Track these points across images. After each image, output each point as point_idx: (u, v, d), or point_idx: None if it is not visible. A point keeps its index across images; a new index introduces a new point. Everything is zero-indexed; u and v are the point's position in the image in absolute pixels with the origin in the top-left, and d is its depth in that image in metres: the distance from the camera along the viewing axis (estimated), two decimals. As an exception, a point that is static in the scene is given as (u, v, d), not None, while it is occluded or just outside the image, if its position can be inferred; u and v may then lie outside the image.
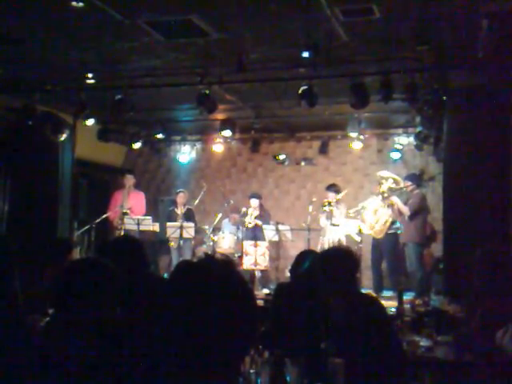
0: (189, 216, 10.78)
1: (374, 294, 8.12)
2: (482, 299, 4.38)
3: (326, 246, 9.79)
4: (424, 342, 4.56)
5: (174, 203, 11.02)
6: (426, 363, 4.16)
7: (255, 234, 10.33)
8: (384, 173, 10.03)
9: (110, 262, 2.76)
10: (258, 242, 10.07)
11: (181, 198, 10.95)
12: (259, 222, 10.36)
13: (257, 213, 10.41)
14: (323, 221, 10.04)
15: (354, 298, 3.86)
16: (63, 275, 2.74)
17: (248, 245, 10.13)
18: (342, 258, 3.98)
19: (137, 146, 11.66)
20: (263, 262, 10.06)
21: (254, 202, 10.44)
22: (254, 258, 10.05)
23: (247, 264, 10.05)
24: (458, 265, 6.77)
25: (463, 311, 5.29)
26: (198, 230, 10.78)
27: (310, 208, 10.24)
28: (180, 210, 10.85)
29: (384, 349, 3.54)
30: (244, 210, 10.53)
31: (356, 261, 4.09)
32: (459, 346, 4.29)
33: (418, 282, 8.98)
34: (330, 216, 9.88)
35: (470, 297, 4.77)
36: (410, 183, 9.56)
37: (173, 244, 10.57)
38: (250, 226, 10.40)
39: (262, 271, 10.21)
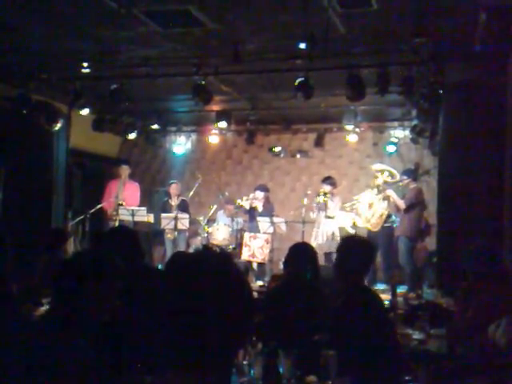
0: (183, 207, 10.78)
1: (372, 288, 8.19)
2: (475, 293, 4.39)
3: (320, 239, 9.81)
4: (417, 335, 4.59)
5: (168, 194, 11.01)
6: (418, 356, 4.17)
7: (253, 224, 10.30)
8: (378, 166, 10.04)
9: (114, 256, 2.75)
10: (257, 235, 10.07)
11: (173, 189, 10.94)
12: (259, 207, 10.30)
13: (259, 204, 10.37)
14: (315, 213, 10.03)
15: (357, 291, 3.87)
16: (66, 266, 2.73)
17: (247, 236, 10.13)
18: (360, 248, 4.00)
19: (132, 136, 11.62)
20: (260, 255, 10.05)
21: (259, 194, 10.40)
22: (252, 249, 10.05)
23: (245, 255, 10.05)
24: (451, 259, 6.78)
25: (456, 304, 5.31)
26: (192, 222, 10.77)
27: (305, 200, 10.24)
28: (174, 201, 10.84)
29: (381, 343, 3.56)
30: (238, 201, 10.50)
31: (373, 252, 4.11)
32: (452, 339, 4.30)
33: (409, 275, 9.01)
34: (324, 208, 9.87)
35: (463, 290, 4.78)
36: (406, 177, 9.56)
37: (170, 236, 10.56)
38: (245, 205, 10.34)
39: (258, 264, 10.22)
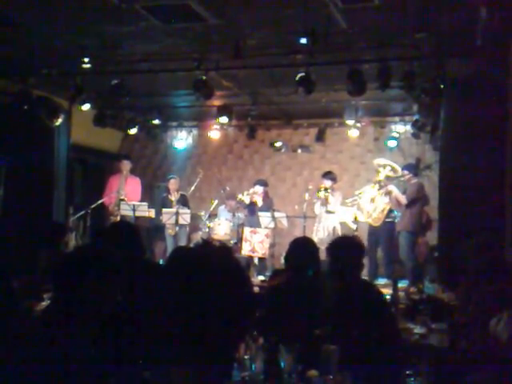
0: (182, 202, 10.78)
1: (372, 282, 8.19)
2: (476, 287, 4.39)
3: (321, 233, 9.82)
4: (418, 330, 4.60)
5: (167, 190, 11.02)
6: (420, 350, 4.18)
7: (253, 219, 10.32)
8: (380, 160, 10.03)
9: (114, 251, 2.75)
10: (257, 229, 10.07)
11: (172, 184, 10.94)
12: (259, 202, 10.33)
13: (259, 199, 10.39)
14: (317, 207, 10.04)
15: (355, 286, 3.89)
16: (66, 261, 2.73)
17: (247, 231, 10.13)
18: (348, 248, 4.06)
19: (133, 131, 11.62)
20: (261, 250, 10.05)
21: (258, 189, 10.42)
22: (252, 244, 10.05)
23: (246, 250, 10.05)
24: (452, 253, 6.79)
25: (458, 299, 5.32)
26: (193, 217, 10.78)
27: (306, 195, 10.24)
28: (173, 197, 10.84)
29: (382, 336, 3.57)
30: (240, 197, 10.51)
31: (362, 250, 4.16)
32: (453, 333, 4.31)
33: (411, 270, 9.03)
34: (325, 203, 9.88)
35: (465, 285, 4.79)
36: (407, 172, 9.56)
37: (171, 231, 10.56)
38: (245, 200, 10.37)
39: (259, 258, 10.22)
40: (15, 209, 9.21)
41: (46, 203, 9.87)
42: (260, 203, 10.35)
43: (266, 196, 10.50)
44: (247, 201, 10.38)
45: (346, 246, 4.18)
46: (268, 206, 10.37)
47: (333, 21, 6.61)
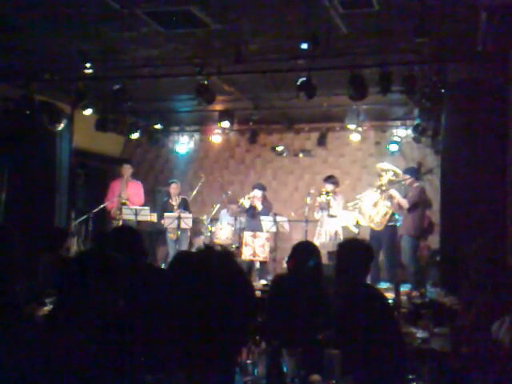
0: (184, 206, 10.79)
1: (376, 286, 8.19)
2: (478, 291, 4.40)
3: (323, 237, 9.82)
4: (420, 334, 4.59)
5: (168, 194, 11.03)
6: (422, 355, 4.18)
7: (254, 223, 10.32)
8: (384, 165, 10.02)
9: (117, 255, 2.76)
10: (258, 233, 10.07)
11: (173, 188, 10.95)
12: (258, 206, 10.32)
13: (258, 202, 10.40)
14: (317, 214, 10.05)
15: (359, 289, 3.89)
16: (70, 265, 2.74)
17: (248, 235, 10.13)
18: (357, 250, 4.06)
19: (135, 136, 11.63)
20: (262, 254, 10.04)
21: (257, 193, 10.42)
22: (253, 248, 10.04)
23: (246, 255, 10.04)
24: (454, 257, 6.79)
25: (460, 303, 5.32)
26: (195, 221, 10.78)
27: (308, 199, 10.25)
28: (174, 201, 10.86)
29: (385, 341, 3.57)
30: (241, 201, 10.51)
31: (371, 253, 4.16)
32: (456, 337, 4.31)
33: (413, 274, 9.02)
34: (326, 207, 9.88)
35: (467, 289, 4.79)
36: (408, 176, 9.56)
37: (172, 236, 10.55)
38: (245, 204, 10.37)
39: (261, 262, 10.21)
40: (17, 213, 9.21)
41: (47, 208, 9.88)
42: (260, 207, 10.36)
43: (264, 200, 10.50)
44: (247, 205, 10.38)
45: (355, 248, 4.16)
46: (267, 210, 10.38)
47: (333, 26, 6.63)
